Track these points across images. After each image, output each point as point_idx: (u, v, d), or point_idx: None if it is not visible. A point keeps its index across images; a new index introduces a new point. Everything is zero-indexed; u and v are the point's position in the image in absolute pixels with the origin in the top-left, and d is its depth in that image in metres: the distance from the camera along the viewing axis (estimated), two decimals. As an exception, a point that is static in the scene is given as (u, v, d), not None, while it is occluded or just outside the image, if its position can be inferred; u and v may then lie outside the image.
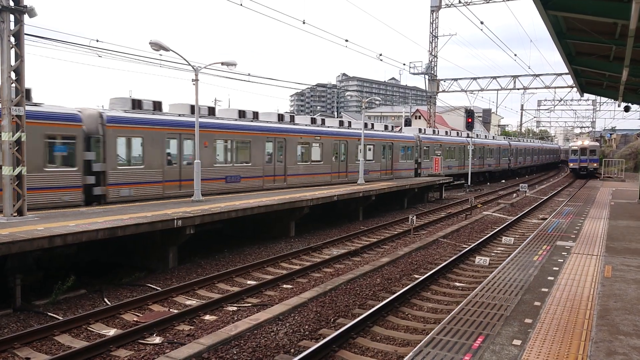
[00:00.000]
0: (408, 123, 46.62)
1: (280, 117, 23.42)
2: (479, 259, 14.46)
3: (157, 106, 17.76)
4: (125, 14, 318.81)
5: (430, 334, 6.36)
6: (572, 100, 64.52)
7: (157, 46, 14.94)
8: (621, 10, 9.54)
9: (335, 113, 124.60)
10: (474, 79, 44.61)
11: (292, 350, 8.15)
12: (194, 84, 16.48)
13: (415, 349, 5.87)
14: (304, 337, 8.69)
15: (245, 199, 17.22)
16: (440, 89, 46.06)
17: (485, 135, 53.30)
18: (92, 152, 15.39)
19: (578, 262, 10.36)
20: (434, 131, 39.69)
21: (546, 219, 20.17)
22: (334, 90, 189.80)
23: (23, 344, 8.35)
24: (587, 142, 55.81)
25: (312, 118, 26.24)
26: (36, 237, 9.88)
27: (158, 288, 11.68)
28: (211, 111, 20.13)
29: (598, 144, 61.18)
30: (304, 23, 23.71)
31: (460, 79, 45.26)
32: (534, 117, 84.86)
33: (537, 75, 42.82)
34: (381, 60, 34.98)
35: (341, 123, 28.60)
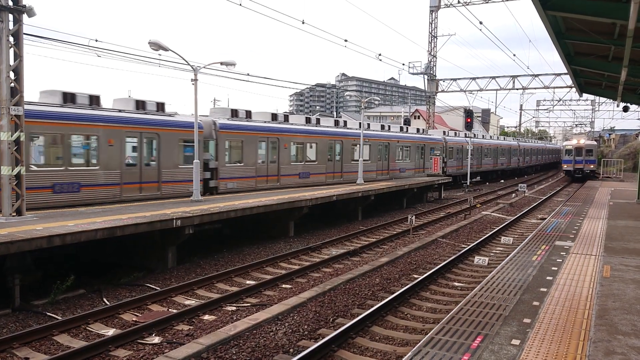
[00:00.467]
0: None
1: (274, 117, 23.52)
2: (478, 259, 14.47)
3: (248, 114, 21.65)
4: (125, 14, 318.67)
5: (429, 334, 6.36)
6: (571, 100, 64.59)
7: (157, 46, 14.94)
8: (620, 11, 9.55)
9: (335, 113, 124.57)
10: (473, 79, 44.62)
11: (291, 350, 8.16)
12: (193, 84, 16.49)
13: (414, 348, 5.88)
14: (303, 337, 8.70)
15: (244, 199, 17.22)
16: (439, 89, 46.05)
17: (497, 137, 58.90)
18: (208, 152, 18.94)
19: (577, 262, 10.37)
20: (455, 133, 44.68)
21: (545, 218, 20.19)
22: (333, 90, 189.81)
23: (22, 343, 8.34)
24: (582, 141, 49.01)
25: (306, 117, 26.27)
26: (35, 237, 9.87)
27: (157, 288, 11.68)
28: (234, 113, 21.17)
29: (595, 143, 53.97)
30: (303, 23, 23.71)
31: (459, 79, 45.27)
32: (533, 117, 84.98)
33: (536, 76, 42.83)
34: (380, 60, 34.98)
35: (336, 123, 27.93)
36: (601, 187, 32.02)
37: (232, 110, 21.14)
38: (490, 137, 54.20)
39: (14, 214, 12.04)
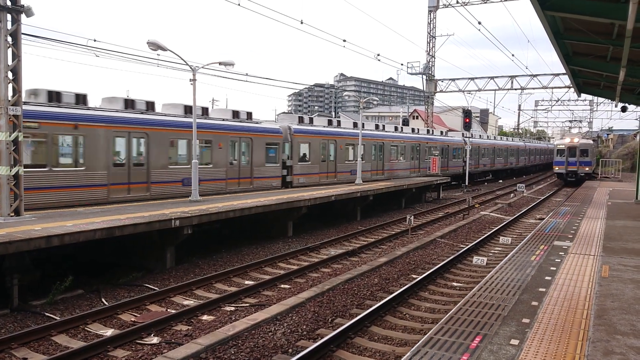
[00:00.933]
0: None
1: (329, 122, 26.95)
2: (477, 259, 14.48)
3: (311, 120, 25.42)
4: (123, 14, 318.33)
5: (428, 334, 6.36)
6: (569, 100, 64.66)
7: (155, 46, 14.92)
8: (618, 11, 9.57)
9: (333, 113, 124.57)
10: (472, 79, 44.66)
11: (290, 350, 8.15)
12: (191, 84, 16.47)
13: (413, 348, 5.88)
14: (302, 337, 8.70)
15: (243, 199, 17.21)
16: (437, 89, 46.08)
17: (506, 138, 63.96)
18: (285, 153, 22.59)
19: (575, 262, 10.38)
20: (471, 135, 46.81)
21: (543, 218, 20.20)
22: (331, 91, 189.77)
23: (20, 344, 8.33)
24: (577, 140, 42.69)
25: (354, 122, 27.96)
26: (33, 237, 9.85)
27: (156, 288, 11.66)
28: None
29: (592, 142, 47.14)
30: (301, 23, 23.71)
31: (457, 79, 45.30)
32: (532, 117, 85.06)
33: (535, 76, 42.87)
34: (379, 60, 35.05)
35: (330, 122, 27.87)
36: (599, 187, 32.04)
37: (299, 117, 25.37)
38: (501, 138, 58.58)
39: (12, 214, 12.01)
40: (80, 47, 17.22)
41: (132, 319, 9.68)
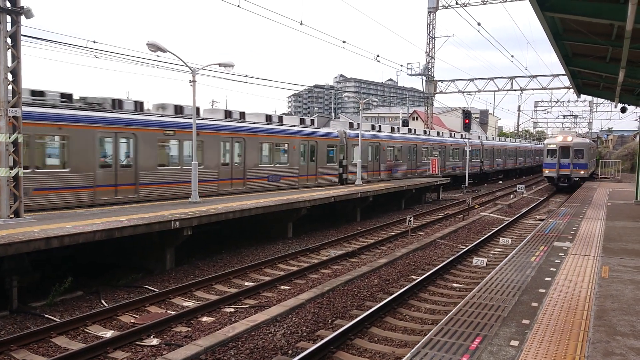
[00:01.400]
0: (405, 124, 46.70)
1: (372, 127, 30.21)
2: (477, 260, 14.48)
3: (358, 125, 27.72)
4: (123, 15, 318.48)
5: (427, 335, 6.36)
6: (568, 101, 64.64)
7: (155, 47, 14.93)
8: (617, 12, 9.57)
9: (333, 114, 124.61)
10: (471, 80, 44.71)
11: (289, 351, 8.15)
12: (191, 85, 16.47)
13: (413, 350, 5.87)
14: (302, 338, 8.69)
15: (243, 200, 17.20)
16: (437, 90, 46.13)
17: (518, 140, 68.37)
18: (341, 154, 26.29)
19: (575, 263, 10.38)
20: (487, 137, 52.46)
21: (543, 219, 20.21)
22: (331, 92, 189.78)
23: (20, 346, 8.32)
24: (570, 138, 37.18)
25: (391, 127, 31.17)
26: (33, 238, 9.84)
27: (155, 289, 11.65)
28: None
29: (588, 140, 41.45)
30: (301, 24, 23.74)
31: (457, 80, 45.35)
32: (531, 118, 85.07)
33: (534, 77, 42.94)
34: (378, 61, 35.05)
35: (373, 127, 31.40)
36: (599, 188, 32.04)
37: (349, 123, 29.70)
38: (511, 140, 63.00)
39: (12, 215, 12.01)
40: (80, 49, 17.23)
41: (132, 321, 9.67)
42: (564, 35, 12.64)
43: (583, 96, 41.99)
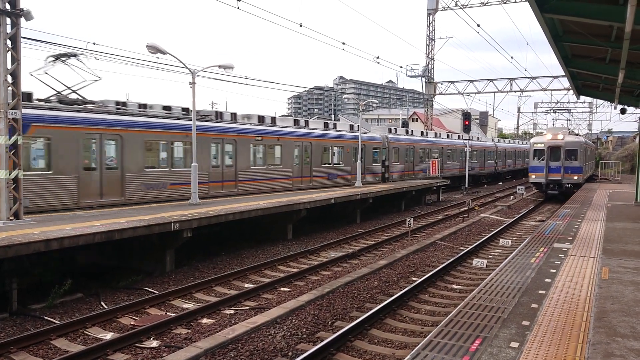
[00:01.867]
0: (405, 125, 46.71)
1: (407, 132, 34.27)
2: (477, 261, 14.47)
3: (395, 130, 33.36)
4: (122, 17, 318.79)
5: (428, 337, 6.35)
6: (568, 102, 64.65)
7: (154, 49, 14.94)
8: (617, 13, 9.59)
9: (333, 116, 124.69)
10: (471, 81, 44.72)
11: (289, 353, 8.14)
12: (191, 87, 16.48)
13: (413, 351, 5.87)
14: (302, 340, 8.68)
15: (243, 202, 17.20)
16: (437, 92, 46.16)
17: (520, 142, 71.74)
18: (383, 155, 30.07)
19: (575, 264, 10.37)
20: (499, 140, 57.72)
21: (543, 221, 20.20)
22: (331, 93, 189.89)
23: (19, 348, 8.31)
24: (561, 137, 31.32)
25: (435, 133, 33.44)
26: (32, 240, 9.84)
27: (155, 291, 11.64)
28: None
29: (582, 139, 34.05)
30: (301, 26, 23.72)
31: (457, 81, 45.37)
32: (531, 119, 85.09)
33: (534, 78, 42.95)
34: (378, 63, 35.23)
35: (407, 132, 35.16)
36: (599, 189, 32.03)
37: (389, 128, 33.14)
38: (519, 142, 65.89)
39: (12, 217, 12.00)
40: (80, 51, 17.21)
41: (132, 323, 9.66)
42: (564, 36, 12.66)
43: (583, 97, 42.03)
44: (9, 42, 11.86)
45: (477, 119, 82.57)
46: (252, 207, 15.90)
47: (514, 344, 6.02)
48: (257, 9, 21.62)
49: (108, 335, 9.01)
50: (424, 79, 44.85)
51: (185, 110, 18.80)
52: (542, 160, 31.32)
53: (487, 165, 48.36)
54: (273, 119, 23.08)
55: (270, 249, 16.56)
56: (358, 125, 27.34)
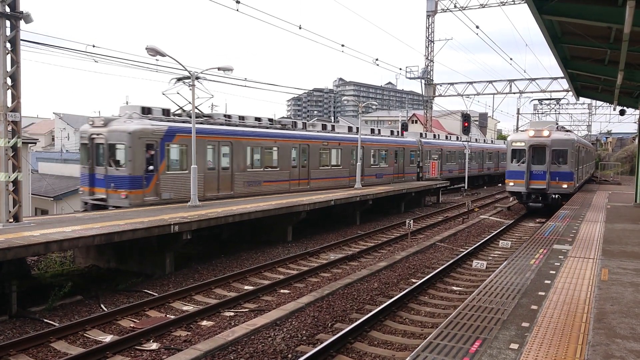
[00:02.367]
0: (405, 127, 46.73)
1: (434, 136, 38.58)
2: (476, 263, 14.47)
3: (426, 135, 37.22)
4: (122, 20, 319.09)
5: (427, 338, 6.35)
6: (568, 104, 64.64)
7: (154, 52, 14.95)
8: (615, 15, 9.61)
9: (332, 118, 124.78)
10: (470, 83, 44.70)
11: (289, 355, 8.13)
12: (190, 89, 16.48)
13: (413, 353, 5.86)
14: (302, 342, 8.68)
15: (243, 204, 17.20)
16: (436, 93, 46.14)
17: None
18: (418, 157, 34.00)
19: (575, 266, 10.37)
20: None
21: (543, 222, 20.19)
22: (330, 95, 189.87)
23: (19, 350, 8.30)
24: (547, 133, 24.26)
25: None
26: (32, 243, 9.84)
27: (155, 294, 11.64)
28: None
29: (573, 137, 25.92)
30: (300, 28, 23.72)
31: (456, 83, 45.35)
32: (530, 120, 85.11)
33: (533, 79, 42.92)
34: (377, 65, 35.08)
35: (434, 136, 38.94)
36: (599, 191, 32.04)
37: (420, 133, 37.12)
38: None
39: (12, 220, 12.00)
40: (79, 53, 17.26)
41: (131, 325, 9.66)
42: (562, 38, 12.68)
43: (582, 99, 42.01)
44: (8, 45, 11.87)
45: (476, 120, 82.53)
46: (251, 209, 15.89)
47: (514, 346, 6.02)
48: (257, 11, 21.60)
49: (108, 338, 9.00)
50: (423, 81, 44.85)
51: (271, 120, 22.70)
52: (523, 163, 24.43)
53: (502, 166, 49.69)
54: (333, 127, 27.20)
55: (270, 251, 16.56)
56: (350, 127, 28.79)
